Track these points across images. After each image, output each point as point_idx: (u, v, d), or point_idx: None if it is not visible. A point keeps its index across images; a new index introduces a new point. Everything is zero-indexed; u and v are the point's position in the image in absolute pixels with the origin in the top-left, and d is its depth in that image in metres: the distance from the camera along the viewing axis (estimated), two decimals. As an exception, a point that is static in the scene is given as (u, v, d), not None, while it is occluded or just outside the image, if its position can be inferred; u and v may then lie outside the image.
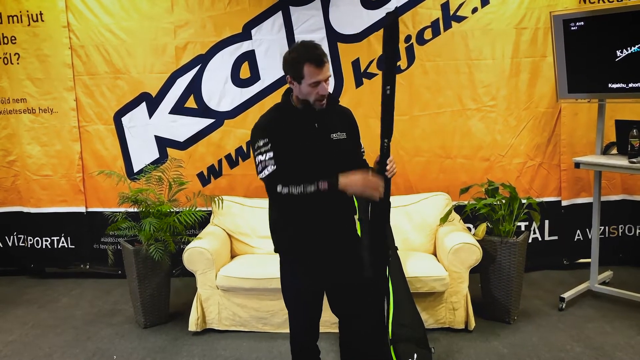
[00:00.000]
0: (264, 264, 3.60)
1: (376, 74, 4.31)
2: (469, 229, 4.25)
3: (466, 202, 3.79)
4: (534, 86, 4.32)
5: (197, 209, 3.76)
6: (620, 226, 4.57)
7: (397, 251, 3.53)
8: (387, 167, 2.30)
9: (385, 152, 2.29)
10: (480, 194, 3.77)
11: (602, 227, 4.45)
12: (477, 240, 3.51)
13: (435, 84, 4.33)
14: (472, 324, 3.48)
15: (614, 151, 3.83)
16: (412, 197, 4.04)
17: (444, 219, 3.79)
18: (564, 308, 3.75)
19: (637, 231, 4.55)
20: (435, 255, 3.78)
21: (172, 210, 3.73)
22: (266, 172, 2.23)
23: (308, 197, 2.18)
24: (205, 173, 4.52)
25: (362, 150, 2.55)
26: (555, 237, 4.54)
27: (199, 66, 4.38)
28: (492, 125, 4.36)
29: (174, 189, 3.81)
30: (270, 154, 2.22)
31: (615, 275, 4.21)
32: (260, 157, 2.24)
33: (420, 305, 3.41)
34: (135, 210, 3.77)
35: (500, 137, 4.37)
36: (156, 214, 3.66)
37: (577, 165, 3.73)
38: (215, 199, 3.91)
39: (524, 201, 3.66)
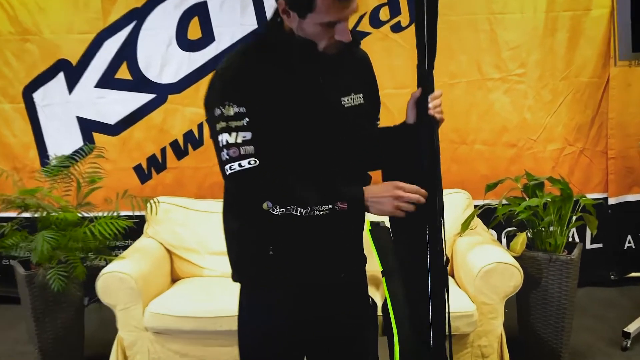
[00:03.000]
0: (212, 293, 2.60)
1: (369, 33, 3.36)
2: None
3: (495, 203, 2.77)
4: (575, 49, 3.40)
5: (119, 215, 2.70)
6: (683, 231, 3.64)
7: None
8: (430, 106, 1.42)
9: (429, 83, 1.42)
10: (516, 192, 2.76)
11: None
12: (515, 257, 2.50)
13: (446, 47, 3.36)
14: (509, 375, 2.49)
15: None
16: (419, 196, 3.03)
17: (465, 226, 2.78)
18: (629, 347, 2.77)
19: None
20: (454, 277, 2.76)
21: (82, 216, 2.68)
22: (237, 168, 1.29)
23: (312, 220, 1.33)
24: (145, 166, 3.52)
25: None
26: (600, 245, 3.61)
27: (134, 24, 3.41)
28: (521, 101, 3.46)
29: (83, 188, 2.72)
30: (246, 135, 1.28)
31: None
32: (227, 137, 1.29)
33: (436, 353, 2.41)
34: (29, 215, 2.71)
35: (531, 115, 3.47)
36: (60, 224, 2.60)
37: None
38: (150, 202, 2.86)
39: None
